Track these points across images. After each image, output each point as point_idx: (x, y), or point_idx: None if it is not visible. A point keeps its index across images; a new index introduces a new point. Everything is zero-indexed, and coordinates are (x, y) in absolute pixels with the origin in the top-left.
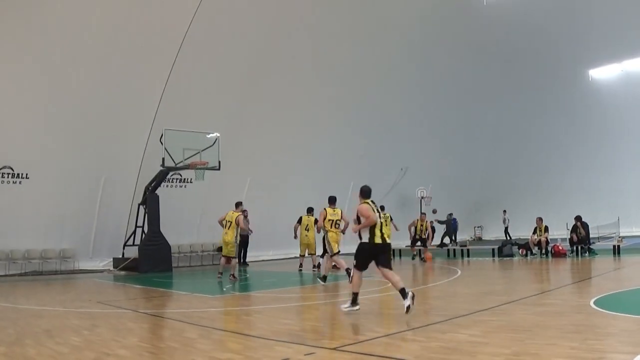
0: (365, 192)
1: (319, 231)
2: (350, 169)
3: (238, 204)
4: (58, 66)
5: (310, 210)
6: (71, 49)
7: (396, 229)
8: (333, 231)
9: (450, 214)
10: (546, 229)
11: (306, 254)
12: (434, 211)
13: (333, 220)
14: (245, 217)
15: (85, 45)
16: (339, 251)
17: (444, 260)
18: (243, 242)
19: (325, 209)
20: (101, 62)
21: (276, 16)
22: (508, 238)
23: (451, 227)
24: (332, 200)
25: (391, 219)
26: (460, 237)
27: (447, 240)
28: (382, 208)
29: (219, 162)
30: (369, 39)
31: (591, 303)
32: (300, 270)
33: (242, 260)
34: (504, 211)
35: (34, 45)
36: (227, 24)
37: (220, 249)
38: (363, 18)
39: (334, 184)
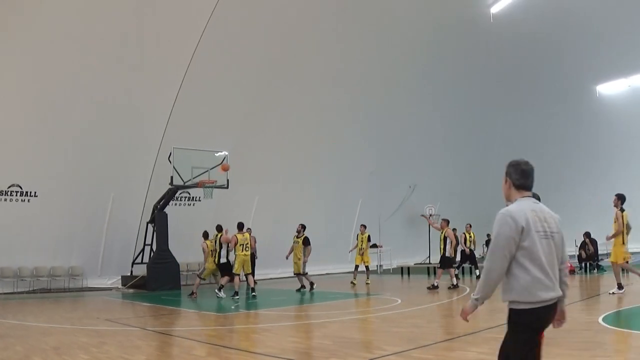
0: None
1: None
2: (359, 187)
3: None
4: (67, 84)
5: (241, 227)
6: (80, 67)
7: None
8: (241, 254)
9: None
10: None
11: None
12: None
13: (243, 245)
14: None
15: (94, 63)
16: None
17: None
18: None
19: (235, 235)
20: (110, 79)
21: (284, 35)
22: None
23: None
24: (240, 227)
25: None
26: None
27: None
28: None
29: (227, 180)
30: (378, 56)
31: (600, 320)
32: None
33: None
34: None
35: (42, 63)
36: (235, 44)
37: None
38: (372, 35)
39: (342, 201)
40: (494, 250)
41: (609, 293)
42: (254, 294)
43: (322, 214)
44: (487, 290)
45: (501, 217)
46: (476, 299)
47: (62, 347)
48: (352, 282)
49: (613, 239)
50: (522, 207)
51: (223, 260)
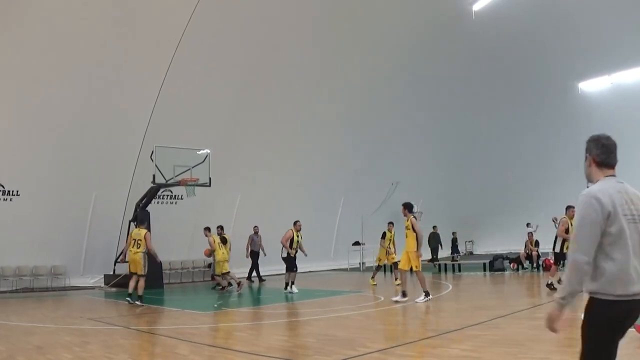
0: None
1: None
2: (342, 185)
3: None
4: (49, 83)
5: (140, 222)
6: (61, 65)
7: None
8: (132, 251)
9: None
10: (537, 243)
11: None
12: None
13: (135, 240)
14: (256, 232)
15: (75, 61)
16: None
17: (435, 275)
18: (254, 259)
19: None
20: (92, 78)
21: (266, 33)
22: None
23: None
24: (140, 222)
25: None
26: (448, 252)
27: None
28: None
29: (210, 178)
30: (362, 54)
31: (583, 316)
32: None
33: (250, 276)
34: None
35: (23, 61)
36: (217, 42)
37: (210, 266)
38: (356, 32)
39: (324, 199)
40: (579, 238)
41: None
42: (138, 301)
43: (304, 212)
44: (574, 285)
45: (585, 200)
46: (562, 299)
47: (45, 346)
48: (372, 282)
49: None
50: (607, 187)
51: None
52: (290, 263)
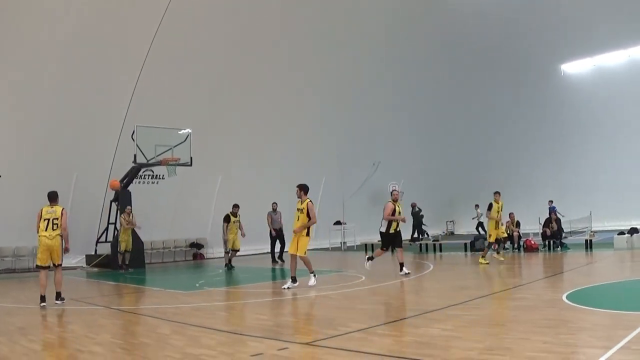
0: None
1: None
2: (322, 165)
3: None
4: (28, 63)
5: (52, 197)
6: (41, 46)
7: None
8: (44, 235)
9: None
10: (518, 224)
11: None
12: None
13: (49, 220)
14: (275, 210)
15: (56, 42)
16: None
17: (416, 254)
18: (279, 237)
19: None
20: (72, 58)
21: (250, 14)
22: (480, 233)
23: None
24: (52, 197)
25: None
26: (432, 232)
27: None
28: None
29: (191, 158)
30: (339, 37)
31: (564, 297)
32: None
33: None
34: (477, 205)
35: (2, 44)
36: (198, 21)
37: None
38: (333, 16)
39: (306, 179)
40: None
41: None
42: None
43: (285, 192)
44: None
45: None
46: None
47: (27, 327)
48: (498, 258)
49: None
50: None
51: None
52: (395, 238)
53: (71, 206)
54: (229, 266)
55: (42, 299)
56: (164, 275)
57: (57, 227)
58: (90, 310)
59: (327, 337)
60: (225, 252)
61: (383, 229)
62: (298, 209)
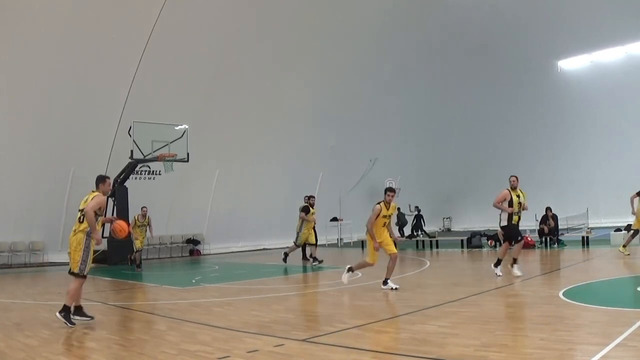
0: None
1: None
2: (319, 161)
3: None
4: (26, 58)
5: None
6: (39, 41)
7: None
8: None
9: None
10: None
11: None
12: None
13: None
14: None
15: (53, 37)
16: None
17: (413, 251)
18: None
19: None
20: (70, 54)
21: (245, 11)
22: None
23: (411, 219)
24: (96, 182)
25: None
26: (428, 228)
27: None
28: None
29: (188, 153)
30: (334, 34)
31: (560, 294)
32: None
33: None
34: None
35: (0, 36)
36: (195, 17)
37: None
38: (328, 13)
39: (303, 175)
40: None
41: None
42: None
43: (282, 188)
44: None
45: None
46: None
47: (24, 322)
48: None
49: None
50: None
51: None
52: (513, 231)
53: (68, 201)
54: (316, 260)
55: (75, 310)
56: (161, 272)
57: (84, 219)
58: (87, 306)
59: (324, 334)
60: (295, 245)
61: (504, 223)
62: (384, 216)
